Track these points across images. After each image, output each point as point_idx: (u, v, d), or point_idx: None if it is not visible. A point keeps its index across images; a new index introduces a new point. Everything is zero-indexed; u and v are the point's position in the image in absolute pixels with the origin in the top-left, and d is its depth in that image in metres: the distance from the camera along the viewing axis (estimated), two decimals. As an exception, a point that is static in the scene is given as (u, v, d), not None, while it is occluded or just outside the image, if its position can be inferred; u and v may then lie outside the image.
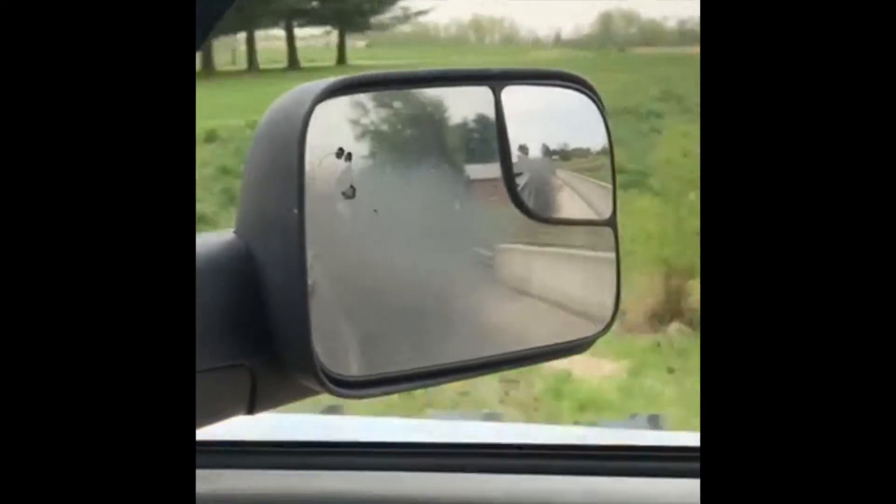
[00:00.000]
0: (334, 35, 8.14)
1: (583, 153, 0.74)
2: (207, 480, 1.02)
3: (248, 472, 1.05)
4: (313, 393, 0.64)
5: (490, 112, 0.69)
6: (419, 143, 0.69)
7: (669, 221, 4.38)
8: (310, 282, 0.61)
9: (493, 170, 0.70)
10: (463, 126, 0.71)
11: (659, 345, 3.92)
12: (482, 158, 0.71)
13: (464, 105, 0.70)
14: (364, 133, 0.67)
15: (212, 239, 0.67)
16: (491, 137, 0.70)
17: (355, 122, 0.67)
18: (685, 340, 3.88)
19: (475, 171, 0.71)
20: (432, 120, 0.70)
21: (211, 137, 5.63)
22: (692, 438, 1.08)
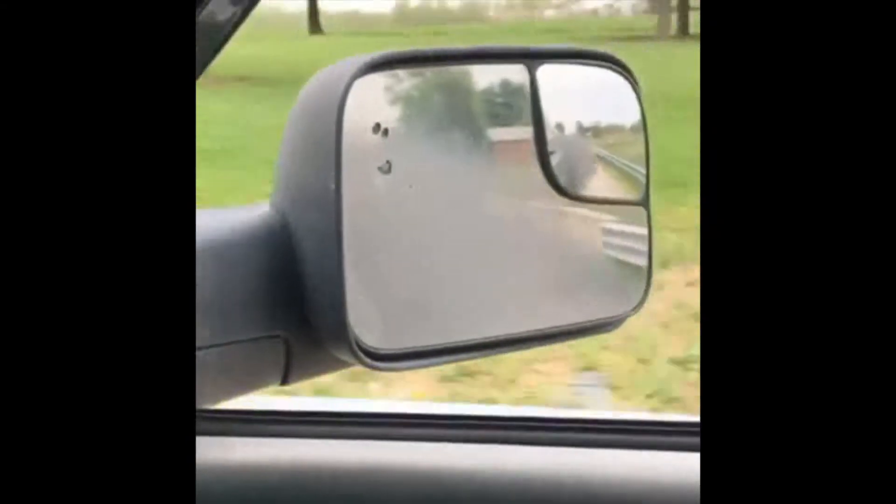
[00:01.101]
0: None
1: (616, 130, 0.75)
2: (222, 447, 1.03)
3: (265, 441, 1.06)
4: (347, 365, 0.65)
5: (525, 89, 0.70)
6: (455, 119, 0.70)
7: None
8: (345, 255, 0.62)
9: (526, 141, 0.70)
10: (498, 103, 0.71)
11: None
12: (515, 132, 0.71)
13: (499, 82, 0.71)
14: (402, 109, 0.67)
15: (248, 212, 0.67)
16: (524, 113, 0.70)
17: (393, 98, 0.67)
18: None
19: (506, 139, 0.71)
20: (469, 97, 0.70)
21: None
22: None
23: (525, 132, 0.70)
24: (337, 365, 0.66)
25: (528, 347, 0.69)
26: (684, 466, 0.94)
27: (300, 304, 0.64)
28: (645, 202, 0.73)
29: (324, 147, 0.63)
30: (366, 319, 0.63)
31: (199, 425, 0.56)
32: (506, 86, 0.71)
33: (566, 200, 0.71)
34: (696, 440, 0.97)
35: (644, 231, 0.73)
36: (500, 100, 0.71)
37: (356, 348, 0.62)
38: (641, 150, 0.74)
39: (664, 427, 1.03)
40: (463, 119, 0.70)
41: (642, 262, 0.73)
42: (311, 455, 1.03)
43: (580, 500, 0.95)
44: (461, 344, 0.67)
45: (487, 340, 0.67)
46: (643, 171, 0.74)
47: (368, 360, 0.63)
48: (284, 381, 0.65)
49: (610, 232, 0.75)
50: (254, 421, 1.09)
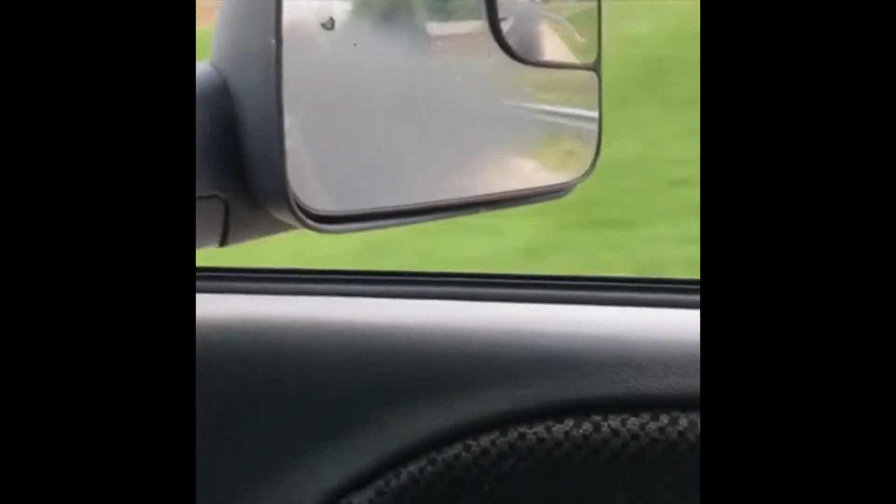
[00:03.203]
0: None
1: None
2: (218, 303, 1.04)
3: (240, 298, 1.07)
4: (287, 227, 0.64)
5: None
6: None
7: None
8: (286, 116, 0.61)
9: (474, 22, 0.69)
10: None
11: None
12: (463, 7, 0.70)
13: None
14: None
15: None
16: None
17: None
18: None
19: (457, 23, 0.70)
20: None
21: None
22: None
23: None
24: (276, 227, 0.64)
25: (474, 212, 0.68)
26: (684, 322, 0.95)
27: (239, 164, 0.62)
28: (596, 66, 0.72)
29: (263, 2, 0.61)
30: (306, 181, 0.62)
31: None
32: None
33: (518, 65, 0.70)
34: (697, 298, 0.98)
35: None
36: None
37: (296, 209, 0.61)
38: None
39: (664, 284, 1.05)
40: None
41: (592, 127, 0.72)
42: (306, 311, 1.04)
43: (575, 356, 0.97)
44: (404, 208, 0.66)
45: (431, 205, 0.66)
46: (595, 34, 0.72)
47: (308, 221, 0.62)
48: (223, 243, 0.64)
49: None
50: (251, 279, 1.10)
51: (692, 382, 0.93)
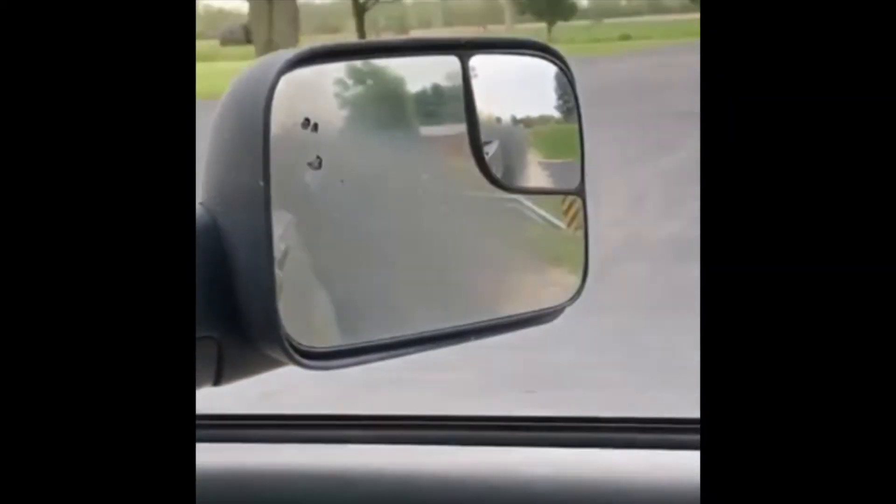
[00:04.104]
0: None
1: (547, 121, 0.74)
2: (215, 453, 1.03)
3: (241, 446, 1.06)
4: (280, 364, 0.64)
5: (458, 81, 0.69)
6: (387, 113, 0.69)
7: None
8: (276, 254, 0.61)
9: (459, 134, 0.70)
10: (430, 95, 0.70)
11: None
12: (447, 127, 0.71)
13: (431, 75, 0.70)
14: (331, 103, 0.67)
15: None
16: (457, 105, 0.69)
17: (322, 93, 0.66)
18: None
19: (439, 133, 0.71)
20: (400, 90, 0.70)
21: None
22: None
23: (457, 127, 0.70)
24: (270, 364, 0.65)
25: (465, 341, 0.69)
26: (684, 465, 0.94)
27: (231, 304, 0.63)
28: (581, 191, 0.73)
29: (251, 144, 0.62)
30: (298, 318, 0.62)
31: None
32: (437, 78, 0.70)
33: (502, 193, 0.71)
34: (696, 437, 0.98)
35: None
36: (431, 93, 0.71)
37: (288, 347, 0.61)
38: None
39: (663, 425, 1.03)
40: (395, 113, 0.70)
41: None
42: (304, 460, 1.03)
43: (578, 501, 0.96)
44: (396, 340, 0.66)
45: (423, 336, 0.67)
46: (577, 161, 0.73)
47: (301, 359, 0.62)
48: (217, 383, 0.64)
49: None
50: (247, 426, 1.09)
51: None
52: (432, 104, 0.71)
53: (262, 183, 0.61)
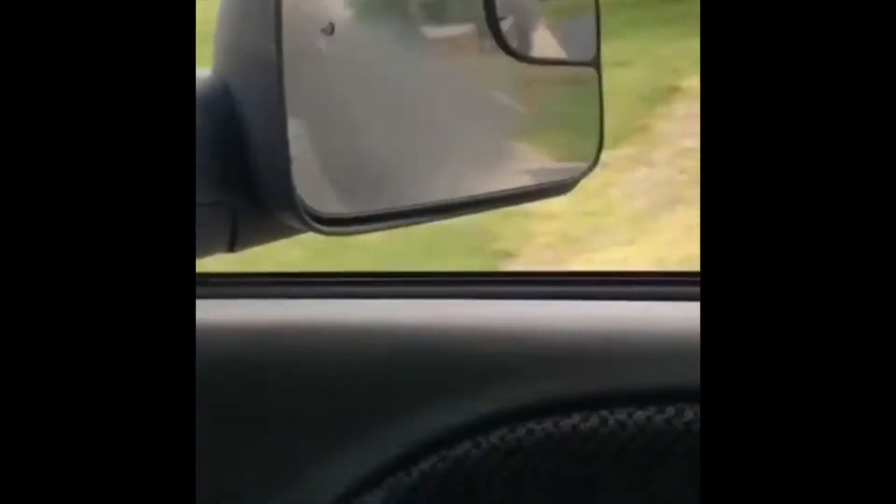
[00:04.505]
0: None
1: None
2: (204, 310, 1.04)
3: (245, 302, 1.07)
4: (295, 231, 0.64)
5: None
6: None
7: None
8: (290, 120, 0.61)
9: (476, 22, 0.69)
10: None
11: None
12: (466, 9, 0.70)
13: None
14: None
15: None
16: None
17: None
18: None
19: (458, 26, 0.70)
20: None
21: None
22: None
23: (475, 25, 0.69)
24: (285, 231, 0.65)
25: (481, 210, 0.69)
26: (683, 316, 0.95)
27: (246, 170, 0.63)
28: (595, 62, 0.72)
29: (264, 6, 0.61)
30: (313, 184, 0.62)
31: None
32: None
33: (518, 63, 0.70)
34: (696, 289, 0.98)
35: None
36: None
37: (303, 213, 0.61)
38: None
39: (663, 277, 1.04)
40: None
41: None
42: (312, 314, 1.04)
43: (579, 351, 0.97)
44: (412, 208, 0.66)
45: (438, 204, 0.67)
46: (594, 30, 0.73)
47: (317, 225, 0.62)
48: (231, 249, 0.65)
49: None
50: (247, 283, 1.10)
51: (697, 374, 0.93)
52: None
53: (273, 47, 0.61)
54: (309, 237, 0.64)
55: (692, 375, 0.93)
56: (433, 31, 0.70)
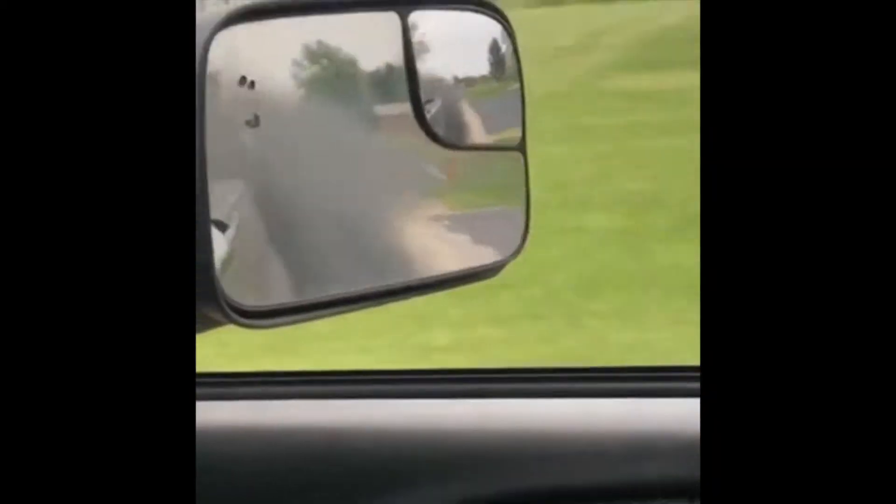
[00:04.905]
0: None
1: (490, 80, 0.74)
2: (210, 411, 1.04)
3: (256, 403, 1.07)
4: (217, 324, 0.64)
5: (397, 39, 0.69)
6: (325, 75, 0.69)
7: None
8: (213, 212, 0.61)
9: (401, 105, 0.70)
10: (371, 55, 0.70)
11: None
12: (390, 90, 0.70)
13: (371, 33, 0.70)
14: (269, 61, 0.66)
15: None
16: (399, 66, 0.69)
17: (259, 51, 0.66)
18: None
19: (383, 106, 0.71)
20: (338, 50, 0.69)
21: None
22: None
23: (399, 85, 0.69)
24: (208, 324, 0.65)
25: (407, 297, 0.69)
26: (684, 413, 0.95)
27: None
28: (521, 147, 0.73)
29: None
30: (236, 277, 0.62)
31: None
32: (377, 35, 0.70)
33: (444, 150, 0.71)
34: (696, 385, 0.98)
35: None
36: (373, 50, 0.70)
37: (225, 306, 0.61)
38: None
39: (663, 373, 1.04)
40: (334, 71, 0.69)
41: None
42: (300, 416, 1.03)
43: (576, 451, 0.97)
44: (337, 297, 0.66)
45: (364, 293, 0.67)
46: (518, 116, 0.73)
47: (239, 318, 0.62)
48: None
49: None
50: (244, 384, 1.09)
51: (664, 471, 0.93)
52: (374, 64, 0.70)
53: (196, 143, 0.61)
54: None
55: (657, 471, 0.93)
56: (357, 113, 0.70)
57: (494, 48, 0.74)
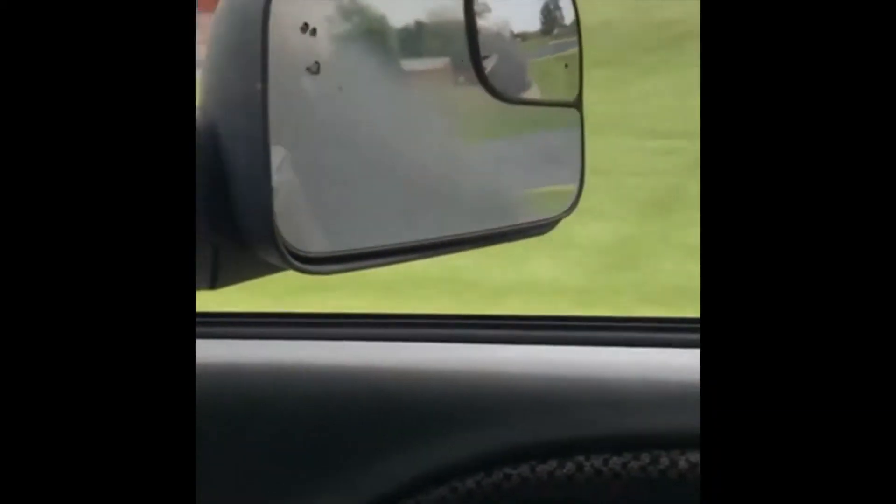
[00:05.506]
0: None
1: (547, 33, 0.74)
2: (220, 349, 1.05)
3: (225, 342, 1.07)
4: (276, 269, 0.64)
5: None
6: (388, 25, 0.68)
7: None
8: (274, 158, 0.61)
9: (459, 59, 0.69)
10: (433, 9, 0.70)
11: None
12: (449, 43, 0.70)
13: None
14: (331, 8, 0.66)
15: None
16: (459, 20, 0.69)
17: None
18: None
19: (442, 59, 0.70)
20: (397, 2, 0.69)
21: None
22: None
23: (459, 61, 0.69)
24: (266, 269, 0.64)
25: (462, 250, 0.69)
26: (683, 363, 0.95)
27: (228, 207, 0.62)
28: (578, 103, 0.73)
29: (250, 47, 0.61)
30: (295, 222, 0.62)
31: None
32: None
33: (501, 104, 0.70)
34: (696, 336, 0.98)
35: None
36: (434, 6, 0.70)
37: (284, 252, 0.61)
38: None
39: (663, 324, 1.05)
40: (396, 22, 0.69)
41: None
42: (293, 355, 1.04)
43: (576, 398, 0.97)
44: (392, 247, 0.66)
45: (419, 243, 0.67)
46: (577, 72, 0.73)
47: (297, 264, 0.62)
48: (213, 286, 0.64)
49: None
50: (251, 324, 1.10)
51: (675, 421, 0.94)
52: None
53: (259, 87, 0.60)
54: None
55: (670, 422, 0.94)
56: (415, 65, 0.70)
57: (552, 2, 0.73)
